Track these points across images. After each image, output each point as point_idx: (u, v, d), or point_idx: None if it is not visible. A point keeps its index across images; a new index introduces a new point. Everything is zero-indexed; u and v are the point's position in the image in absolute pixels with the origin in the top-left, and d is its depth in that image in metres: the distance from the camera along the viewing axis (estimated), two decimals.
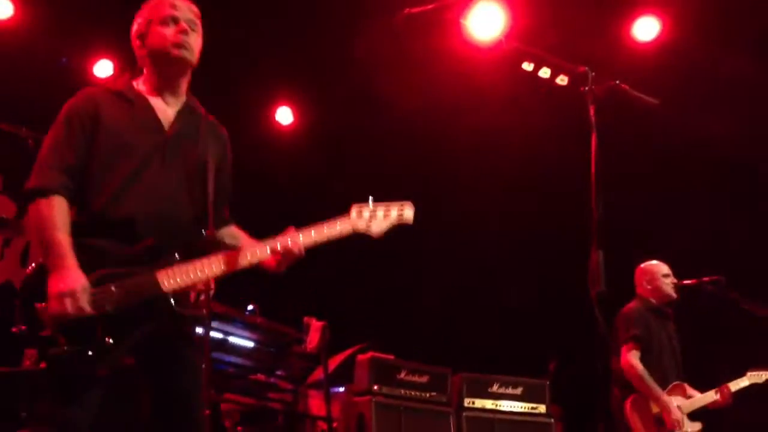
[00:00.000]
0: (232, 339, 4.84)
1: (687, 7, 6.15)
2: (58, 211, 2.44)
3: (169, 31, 2.63)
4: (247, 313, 5.16)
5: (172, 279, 2.44)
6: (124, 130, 2.57)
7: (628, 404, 4.97)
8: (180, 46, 2.63)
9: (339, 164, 7.25)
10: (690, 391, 5.11)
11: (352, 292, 7.34)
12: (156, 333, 2.46)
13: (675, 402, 4.97)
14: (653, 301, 5.28)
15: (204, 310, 2.56)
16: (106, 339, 2.34)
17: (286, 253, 2.55)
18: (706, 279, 5.19)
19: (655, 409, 4.94)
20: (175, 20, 2.65)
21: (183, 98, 2.73)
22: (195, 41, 2.67)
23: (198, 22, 2.71)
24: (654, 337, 5.12)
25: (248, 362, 4.93)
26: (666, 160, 6.72)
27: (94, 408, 2.41)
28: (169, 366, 2.54)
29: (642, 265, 5.41)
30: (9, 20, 6.18)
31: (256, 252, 2.56)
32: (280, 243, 2.55)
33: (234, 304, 4.95)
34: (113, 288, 2.39)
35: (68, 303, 2.32)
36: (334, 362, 5.59)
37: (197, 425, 2.56)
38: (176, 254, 2.48)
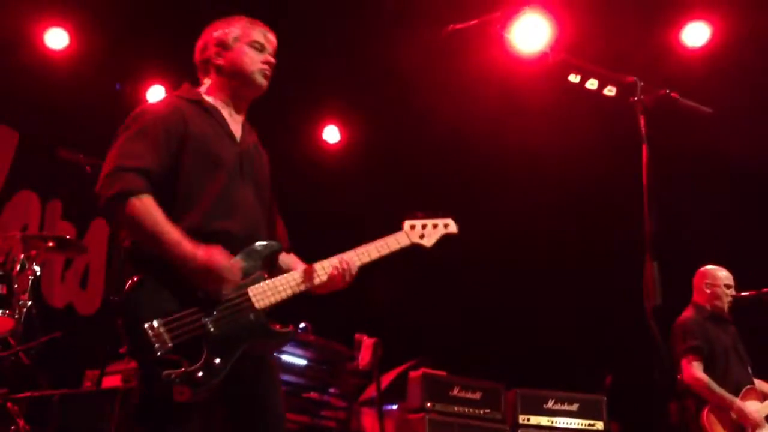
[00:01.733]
0: (285, 357, 4.88)
1: (737, 11, 6.01)
2: (154, 206, 2.37)
3: (258, 56, 2.68)
4: (299, 330, 5.20)
5: (263, 296, 2.45)
6: (210, 140, 2.56)
7: (704, 415, 4.83)
8: (265, 75, 2.69)
9: (386, 181, 7.27)
10: (763, 390, 4.96)
11: (403, 309, 7.33)
12: (249, 352, 2.43)
13: (752, 407, 4.83)
14: (708, 307, 5.15)
15: (290, 327, 2.55)
16: (213, 360, 2.30)
17: (347, 273, 2.62)
18: (765, 290, 5.05)
19: (732, 418, 4.80)
20: (262, 48, 2.70)
21: (243, 115, 2.77)
22: (271, 72, 2.74)
23: (274, 56, 2.76)
24: (716, 344, 4.99)
25: (301, 380, 4.96)
26: (718, 169, 6.56)
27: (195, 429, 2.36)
28: (259, 383, 2.50)
29: (703, 268, 5.27)
30: (65, 50, 6.39)
31: (324, 268, 2.59)
32: (340, 263, 2.61)
33: (286, 322, 5.00)
34: (211, 305, 2.37)
35: (228, 274, 2.33)
36: (387, 379, 5.58)
37: None
38: (264, 271, 2.49)
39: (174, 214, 2.42)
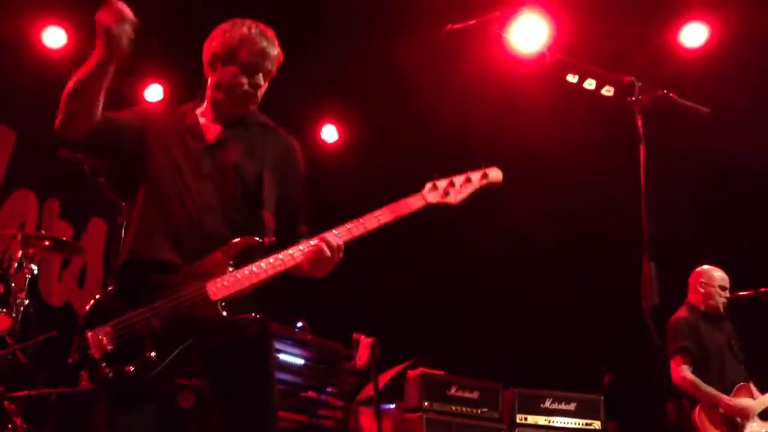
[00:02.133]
0: (282, 356, 4.88)
1: (735, 11, 6.02)
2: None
3: (244, 79, 2.61)
4: (296, 330, 5.20)
5: (221, 288, 2.41)
6: (167, 135, 2.63)
7: (696, 413, 4.85)
8: (247, 101, 2.65)
9: (384, 181, 7.26)
10: (756, 392, 4.98)
11: (401, 308, 7.33)
12: (215, 344, 2.42)
13: (743, 402, 4.85)
14: (702, 307, 5.16)
15: (255, 314, 2.47)
16: (148, 354, 2.36)
17: (325, 249, 2.42)
18: (763, 290, 5.07)
19: (722, 415, 4.81)
20: (255, 71, 2.62)
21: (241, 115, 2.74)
22: (262, 91, 2.69)
23: (275, 71, 2.70)
24: (709, 343, 5.01)
25: (299, 379, 4.96)
26: (716, 170, 6.56)
27: (182, 414, 2.42)
28: (238, 378, 2.49)
29: (699, 269, 5.29)
30: (62, 49, 6.38)
31: (298, 249, 2.46)
32: (325, 234, 2.46)
33: (283, 322, 5.00)
34: (161, 302, 2.40)
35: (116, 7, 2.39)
36: (384, 379, 5.58)
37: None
38: (230, 265, 2.45)
39: (134, 207, 2.57)
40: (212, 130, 2.67)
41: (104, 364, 2.36)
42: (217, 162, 2.60)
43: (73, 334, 2.45)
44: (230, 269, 2.44)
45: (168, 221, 2.51)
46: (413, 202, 2.53)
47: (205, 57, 2.70)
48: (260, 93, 2.68)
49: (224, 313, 2.41)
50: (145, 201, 2.56)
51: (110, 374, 2.36)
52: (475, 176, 2.61)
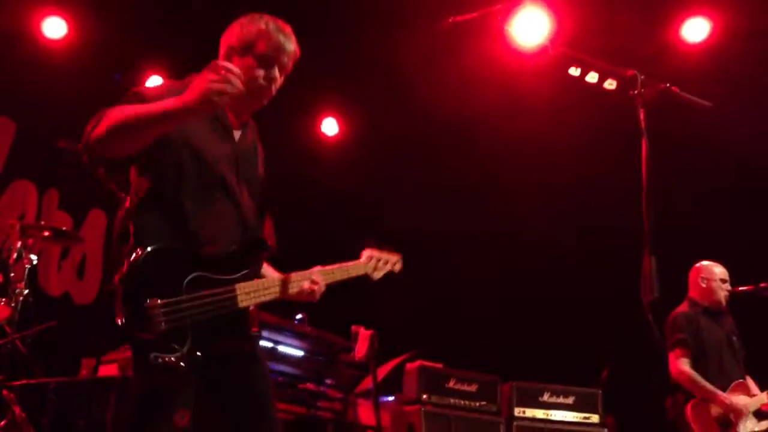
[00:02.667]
0: (281, 348, 4.88)
1: (737, 6, 6.01)
2: (124, 105, 2.37)
3: (260, 72, 2.57)
4: (295, 322, 5.20)
5: (247, 296, 2.43)
6: (203, 133, 2.53)
7: (688, 409, 4.87)
8: (262, 94, 2.61)
9: (384, 174, 7.27)
10: (754, 389, 4.99)
11: (400, 301, 7.34)
12: (226, 350, 2.42)
13: (738, 400, 4.85)
14: (704, 302, 5.17)
15: (255, 329, 2.57)
16: (195, 350, 2.28)
17: (314, 291, 2.74)
18: (762, 285, 5.08)
19: (715, 411, 4.82)
20: (271, 64, 2.59)
21: (246, 115, 2.73)
22: (277, 86, 2.66)
23: (290, 67, 2.69)
24: (707, 338, 5.02)
25: (297, 371, 4.97)
26: (717, 164, 6.56)
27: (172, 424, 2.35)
28: (240, 378, 2.49)
29: (699, 264, 5.31)
30: (63, 39, 6.36)
31: (300, 283, 2.70)
32: (312, 281, 2.72)
33: (282, 314, 5.00)
34: (206, 294, 2.34)
35: (216, 85, 2.22)
36: (383, 371, 5.59)
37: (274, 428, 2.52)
38: (251, 269, 2.48)
39: (175, 202, 2.42)
40: (235, 123, 2.66)
41: (159, 345, 2.21)
42: (243, 165, 2.61)
43: (121, 300, 2.24)
44: (249, 273, 2.48)
45: (204, 214, 2.45)
46: (356, 269, 2.99)
47: (222, 50, 2.66)
48: (275, 88, 2.65)
49: (246, 324, 2.46)
50: (172, 190, 2.43)
51: (160, 361, 2.22)
52: (391, 261, 3.13)
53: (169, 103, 2.27)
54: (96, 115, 2.41)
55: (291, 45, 2.66)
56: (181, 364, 2.24)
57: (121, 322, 2.22)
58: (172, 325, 2.25)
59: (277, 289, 2.57)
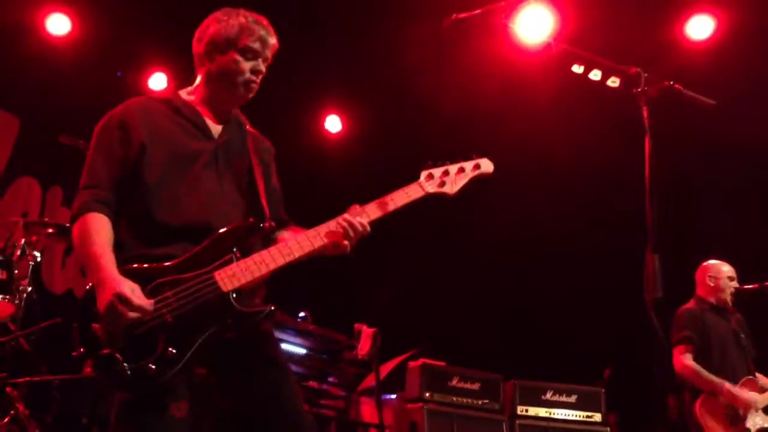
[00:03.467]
0: (284, 346, 4.88)
1: (741, 4, 5.99)
2: (91, 227, 2.40)
3: (246, 65, 2.58)
4: (298, 320, 5.20)
5: (231, 277, 2.38)
6: (175, 138, 2.55)
7: (697, 406, 4.85)
8: (249, 88, 2.61)
9: (387, 171, 7.25)
10: (764, 384, 4.97)
11: (403, 299, 7.34)
12: (226, 336, 2.37)
13: (747, 395, 4.84)
14: (711, 300, 5.17)
15: (272, 306, 2.45)
16: (169, 350, 2.27)
17: (350, 229, 2.44)
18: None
19: (723, 406, 4.80)
20: (255, 56, 2.59)
21: (230, 112, 2.72)
22: (259, 81, 2.65)
23: (271, 59, 2.67)
24: (711, 334, 5.01)
25: (300, 369, 4.97)
26: (720, 161, 6.55)
27: (176, 424, 2.32)
28: (251, 365, 2.44)
29: (706, 263, 5.31)
30: (67, 36, 6.37)
31: (315, 235, 2.46)
32: (341, 221, 2.45)
33: (286, 311, 5.00)
34: (170, 295, 2.33)
35: (124, 309, 2.23)
36: (386, 369, 5.59)
37: (298, 415, 2.43)
38: (235, 254, 2.42)
39: (144, 211, 2.46)
40: (213, 123, 2.66)
41: (118, 359, 2.24)
42: (224, 159, 2.61)
43: (75, 322, 2.34)
44: (235, 257, 2.41)
45: (176, 214, 2.47)
46: (412, 192, 2.56)
47: (199, 47, 2.64)
48: (258, 83, 2.65)
49: (238, 306, 2.37)
50: (148, 194, 2.48)
51: (128, 371, 2.23)
52: (468, 166, 2.64)
53: (99, 276, 2.32)
54: (84, 181, 2.52)
55: (272, 38, 2.65)
56: (151, 366, 2.25)
57: (79, 353, 2.30)
58: (131, 336, 2.27)
59: (273, 259, 2.41)
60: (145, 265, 2.39)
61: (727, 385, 4.82)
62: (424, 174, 2.59)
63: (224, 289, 2.37)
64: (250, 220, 2.51)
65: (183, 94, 2.71)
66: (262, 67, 2.63)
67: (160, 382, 2.27)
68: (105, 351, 2.26)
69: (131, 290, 2.28)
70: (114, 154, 2.50)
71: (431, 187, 2.57)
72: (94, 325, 2.29)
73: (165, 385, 2.29)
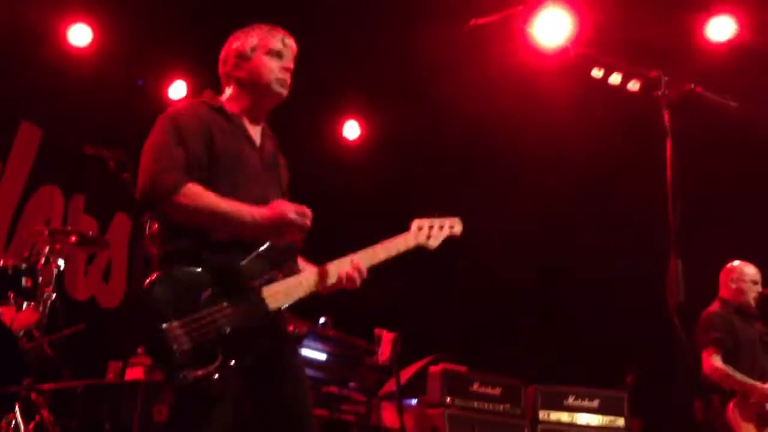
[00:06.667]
0: (304, 351, 4.89)
1: (762, 5, 5.93)
2: (200, 190, 2.43)
3: (275, 64, 2.68)
4: (319, 325, 5.21)
5: (276, 298, 2.44)
6: (233, 144, 2.61)
7: (729, 409, 4.79)
8: (283, 84, 2.70)
9: (406, 177, 7.27)
10: None
11: (423, 304, 7.33)
12: (265, 354, 2.44)
13: None
14: (734, 302, 5.11)
15: (303, 327, 2.57)
16: (229, 360, 2.31)
17: (354, 277, 2.60)
18: None
19: (755, 408, 4.75)
20: (281, 56, 2.70)
21: (263, 123, 2.80)
22: (291, 77, 2.74)
23: (294, 61, 2.76)
24: (741, 337, 4.95)
25: (321, 374, 4.97)
26: (744, 164, 6.48)
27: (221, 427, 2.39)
28: (279, 378, 2.51)
29: (730, 264, 5.23)
30: (88, 46, 6.44)
31: (336, 272, 2.59)
32: (351, 265, 2.60)
33: (306, 317, 5.02)
34: (225, 305, 2.36)
35: (298, 218, 2.42)
36: (407, 374, 5.58)
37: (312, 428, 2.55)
38: (278, 271, 2.49)
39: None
40: (254, 134, 2.72)
41: (185, 364, 2.26)
42: (267, 168, 2.68)
43: (135, 322, 2.37)
44: (280, 276, 2.48)
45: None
46: (406, 242, 2.79)
47: (227, 66, 2.73)
48: (289, 78, 2.73)
49: (281, 325, 2.49)
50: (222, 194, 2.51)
51: (191, 377, 2.27)
52: (446, 225, 2.92)
53: (246, 215, 2.44)
54: (148, 164, 2.49)
55: (291, 41, 2.76)
56: (215, 376, 2.28)
57: (146, 349, 2.36)
58: (195, 341, 2.29)
59: (312, 282, 2.53)
60: (203, 270, 2.40)
61: (759, 384, 4.76)
62: (415, 225, 2.85)
63: (270, 307, 2.43)
64: (298, 239, 2.59)
65: (224, 103, 2.74)
66: (290, 64, 2.72)
67: (218, 391, 2.32)
68: (175, 350, 2.27)
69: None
70: (181, 149, 2.50)
71: (421, 239, 2.84)
72: (166, 326, 2.28)
73: (220, 393, 2.34)
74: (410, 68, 6.48)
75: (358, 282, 2.60)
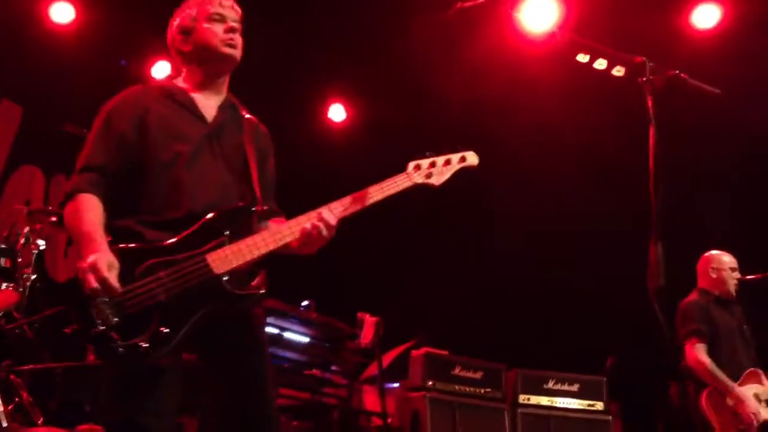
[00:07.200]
0: (287, 334, 4.89)
1: None
2: (82, 206, 2.46)
3: (218, 28, 2.66)
4: (301, 308, 5.21)
5: (223, 260, 2.41)
6: (172, 120, 2.60)
7: (703, 399, 4.85)
8: (231, 45, 2.66)
9: (392, 160, 7.25)
10: (765, 378, 4.97)
11: (406, 288, 7.35)
12: (215, 317, 2.41)
13: (751, 390, 4.83)
14: (715, 291, 5.16)
15: (262, 290, 2.50)
16: (161, 329, 2.31)
17: (320, 228, 2.48)
18: None
19: (730, 402, 4.81)
20: (222, 18, 2.67)
21: (224, 95, 2.76)
22: (240, 40, 2.71)
23: (240, 22, 2.72)
24: (720, 327, 5.00)
25: (303, 357, 4.98)
26: (726, 151, 6.53)
27: (165, 401, 2.39)
28: (236, 349, 2.49)
29: (708, 254, 5.28)
30: (70, 24, 6.36)
31: (300, 221, 2.50)
32: (322, 211, 2.50)
33: (289, 300, 5.01)
34: (163, 275, 2.37)
35: (91, 277, 2.28)
36: (389, 358, 5.60)
37: (272, 405, 2.52)
38: (227, 236, 2.46)
39: (143, 194, 2.51)
40: (208, 108, 2.69)
41: (112, 337, 2.29)
42: (218, 143, 2.64)
43: (71, 300, 2.37)
44: (228, 240, 2.45)
45: (169, 197, 2.51)
46: (401, 182, 2.60)
47: (174, 44, 2.73)
48: (239, 42, 2.69)
49: (230, 288, 2.41)
50: (142, 177, 2.53)
51: (120, 349, 2.29)
52: (455, 158, 2.68)
53: (85, 252, 2.36)
54: (81, 162, 2.57)
55: (229, 2, 2.72)
56: (143, 344, 2.29)
57: (72, 330, 2.34)
58: (126, 314, 2.31)
59: (270, 241, 2.46)
60: (138, 245, 2.43)
61: (737, 389, 4.80)
62: (411, 165, 2.64)
63: (216, 271, 2.41)
64: (241, 203, 2.54)
65: (178, 82, 2.75)
66: (234, 25, 2.68)
67: (151, 361, 2.32)
68: (98, 329, 2.30)
69: (108, 264, 2.31)
70: (110, 139, 2.56)
71: (419, 178, 2.61)
72: (91, 302, 2.32)
73: (156, 363, 2.33)
74: (397, 51, 6.45)
75: (326, 234, 2.47)
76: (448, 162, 2.66)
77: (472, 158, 2.69)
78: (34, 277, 4.63)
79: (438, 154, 2.67)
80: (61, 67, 6.29)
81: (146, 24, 6.40)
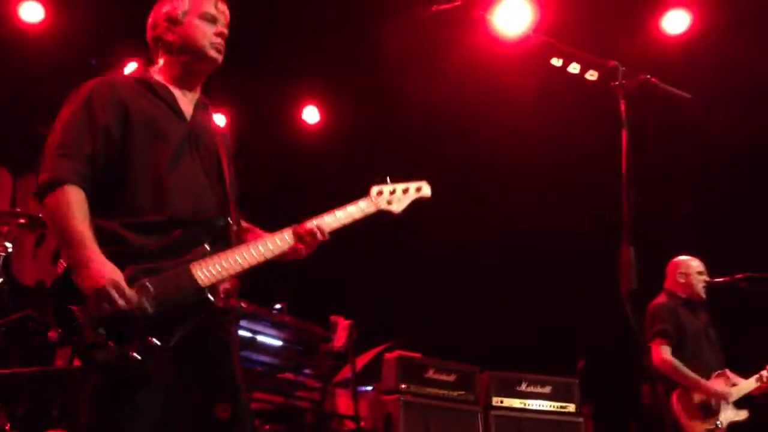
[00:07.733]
0: (260, 338, 4.85)
1: None
2: (72, 200, 2.31)
3: (209, 29, 2.59)
4: (274, 311, 5.18)
5: (207, 272, 2.36)
6: (155, 117, 2.51)
7: (674, 399, 4.92)
8: (217, 48, 2.61)
9: (366, 162, 7.24)
10: (734, 379, 5.06)
11: (379, 291, 7.34)
12: (195, 328, 2.37)
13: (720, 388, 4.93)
14: (682, 295, 5.23)
15: (242, 304, 2.49)
16: (150, 339, 2.25)
17: (310, 236, 2.51)
18: (738, 276, 5.14)
19: (697, 400, 4.88)
20: (214, 20, 2.61)
21: (198, 94, 2.70)
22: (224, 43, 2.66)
23: (227, 30, 2.68)
24: (687, 329, 5.08)
25: (276, 361, 4.95)
26: (696, 154, 6.62)
27: (149, 412, 2.32)
28: (208, 351, 2.45)
29: (676, 259, 5.37)
30: (40, 24, 6.26)
31: (283, 238, 2.50)
32: (303, 227, 2.51)
33: (262, 303, 4.98)
34: (148, 284, 2.29)
35: (115, 296, 2.20)
36: (362, 361, 5.59)
37: (246, 408, 2.49)
38: (207, 245, 2.41)
39: (124, 192, 2.42)
40: (185, 105, 2.62)
41: (100, 345, 2.22)
42: (197, 142, 2.58)
43: (52, 308, 2.29)
44: (209, 251, 2.40)
45: (154, 197, 2.43)
46: (366, 207, 2.65)
47: (156, 31, 2.65)
48: (223, 45, 2.64)
49: (213, 300, 2.38)
50: (125, 174, 2.44)
51: (108, 358, 2.23)
52: (412, 187, 2.75)
53: (82, 259, 2.25)
54: (52, 141, 2.41)
55: (222, 5, 2.67)
56: (131, 356, 2.23)
57: (59, 335, 2.25)
58: (111, 321, 2.24)
59: (252, 254, 2.44)
60: (123, 249, 2.34)
61: (704, 382, 4.90)
62: (374, 190, 2.69)
63: (201, 284, 2.36)
64: (229, 219, 2.50)
65: (154, 73, 2.66)
66: (224, 30, 2.63)
67: (139, 371, 2.25)
68: (98, 338, 2.22)
69: (121, 278, 2.25)
70: (95, 129, 2.42)
71: (382, 204, 2.68)
72: (74, 308, 2.23)
73: (143, 373, 2.27)
74: (371, 53, 6.44)
75: (317, 238, 2.52)
76: (406, 190, 2.73)
77: (426, 189, 2.77)
78: (1, 280, 4.55)
79: (398, 182, 2.74)
80: (31, 67, 6.19)
81: (116, 24, 6.34)
